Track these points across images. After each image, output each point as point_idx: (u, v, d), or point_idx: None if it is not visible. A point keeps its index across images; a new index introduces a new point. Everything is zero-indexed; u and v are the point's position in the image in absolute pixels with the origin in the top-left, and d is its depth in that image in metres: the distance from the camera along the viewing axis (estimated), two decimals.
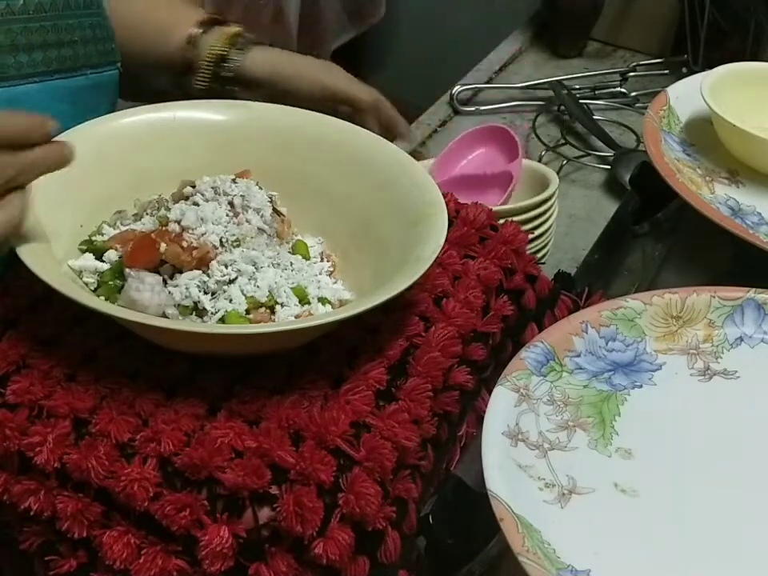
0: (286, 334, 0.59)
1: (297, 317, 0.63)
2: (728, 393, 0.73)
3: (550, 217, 0.95)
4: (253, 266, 0.64)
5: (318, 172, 0.73)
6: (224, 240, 0.64)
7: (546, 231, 0.95)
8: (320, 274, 0.68)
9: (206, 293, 0.62)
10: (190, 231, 0.63)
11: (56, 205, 0.65)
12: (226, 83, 0.92)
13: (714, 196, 0.94)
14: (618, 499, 0.64)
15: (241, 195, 0.66)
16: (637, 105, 1.33)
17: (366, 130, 0.76)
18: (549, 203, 0.94)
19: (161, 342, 0.61)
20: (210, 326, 0.61)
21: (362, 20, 2.13)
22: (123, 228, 0.67)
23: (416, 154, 0.89)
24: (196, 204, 0.65)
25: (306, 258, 0.68)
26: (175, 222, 0.64)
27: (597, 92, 1.35)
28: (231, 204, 0.65)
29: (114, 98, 0.86)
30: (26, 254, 0.59)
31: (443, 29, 2.15)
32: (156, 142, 0.72)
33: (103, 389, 0.60)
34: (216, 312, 0.62)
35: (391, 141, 0.78)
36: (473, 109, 1.34)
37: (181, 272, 0.63)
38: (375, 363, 0.63)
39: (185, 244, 0.63)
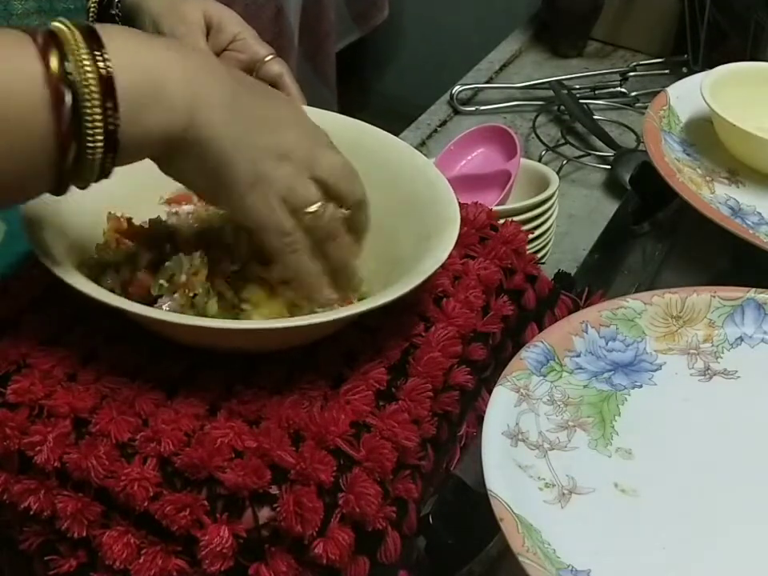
0: (285, 331, 0.59)
1: None
2: (728, 393, 0.73)
3: (550, 217, 0.95)
4: None
5: None
6: None
7: (546, 231, 0.95)
8: None
9: None
10: None
11: (75, 207, 0.65)
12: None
13: (714, 196, 0.94)
14: (618, 499, 0.64)
15: None
16: (637, 105, 1.33)
17: (403, 142, 0.75)
18: (549, 203, 0.94)
19: (161, 334, 0.61)
20: (208, 321, 0.61)
21: (366, 21, 2.13)
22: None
23: None
24: None
25: None
26: None
27: (597, 92, 1.35)
28: None
29: None
30: (41, 250, 0.60)
31: (443, 29, 2.15)
32: None
33: (103, 388, 0.60)
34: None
35: None
36: (473, 109, 1.34)
37: None
38: (375, 363, 0.63)
39: None
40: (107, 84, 0.51)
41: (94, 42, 0.52)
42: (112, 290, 0.62)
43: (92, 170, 0.53)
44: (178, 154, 0.56)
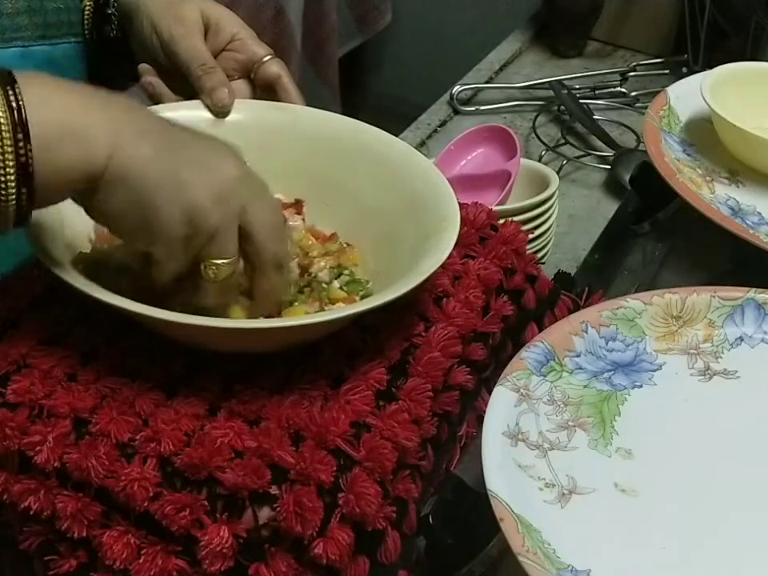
0: (285, 331, 0.60)
1: None
2: (728, 393, 0.73)
3: (550, 217, 0.95)
4: None
5: (351, 179, 0.74)
6: None
7: (546, 231, 0.95)
8: None
9: None
10: None
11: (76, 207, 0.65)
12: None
13: (714, 196, 0.94)
14: (618, 499, 0.64)
15: None
16: (637, 105, 1.33)
17: (403, 142, 0.76)
18: (549, 203, 0.94)
19: (162, 334, 0.61)
20: (210, 320, 0.61)
21: (370, 26, 2.13)
22: None
23: None
24: None
25: None
26: None
27: (597, 92, 1.35)
28: None
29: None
30: (41, 249, 0.60)
31: (443, 29, 2.15)
32: None
33: (103, 388, 0.60)
34: None
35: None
36: (473, 109, 1.34)
37: None
38: (375, 363, 0.63)
39: None
40: (18, 115, 0.51)
41: (8, 83, 0.52)
42: (123, 290, 0.62)
43: (7, 209, 0.52)
44: (100, 191, 0.55)
